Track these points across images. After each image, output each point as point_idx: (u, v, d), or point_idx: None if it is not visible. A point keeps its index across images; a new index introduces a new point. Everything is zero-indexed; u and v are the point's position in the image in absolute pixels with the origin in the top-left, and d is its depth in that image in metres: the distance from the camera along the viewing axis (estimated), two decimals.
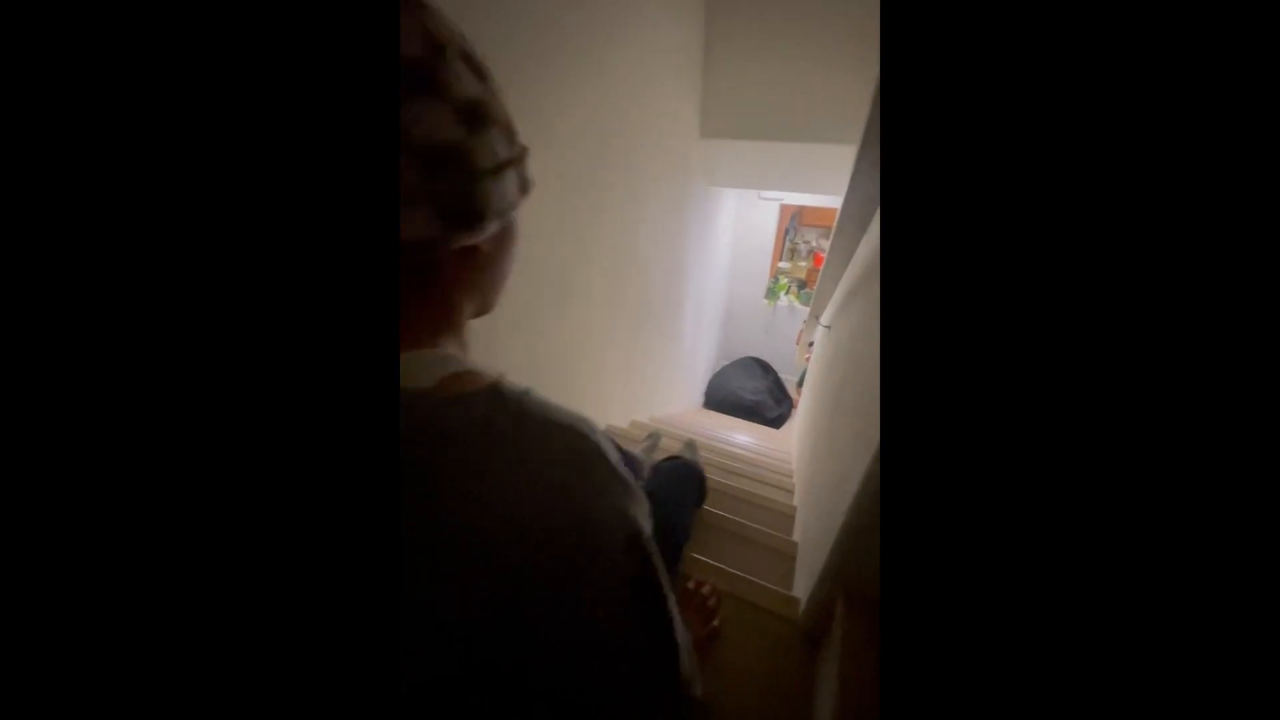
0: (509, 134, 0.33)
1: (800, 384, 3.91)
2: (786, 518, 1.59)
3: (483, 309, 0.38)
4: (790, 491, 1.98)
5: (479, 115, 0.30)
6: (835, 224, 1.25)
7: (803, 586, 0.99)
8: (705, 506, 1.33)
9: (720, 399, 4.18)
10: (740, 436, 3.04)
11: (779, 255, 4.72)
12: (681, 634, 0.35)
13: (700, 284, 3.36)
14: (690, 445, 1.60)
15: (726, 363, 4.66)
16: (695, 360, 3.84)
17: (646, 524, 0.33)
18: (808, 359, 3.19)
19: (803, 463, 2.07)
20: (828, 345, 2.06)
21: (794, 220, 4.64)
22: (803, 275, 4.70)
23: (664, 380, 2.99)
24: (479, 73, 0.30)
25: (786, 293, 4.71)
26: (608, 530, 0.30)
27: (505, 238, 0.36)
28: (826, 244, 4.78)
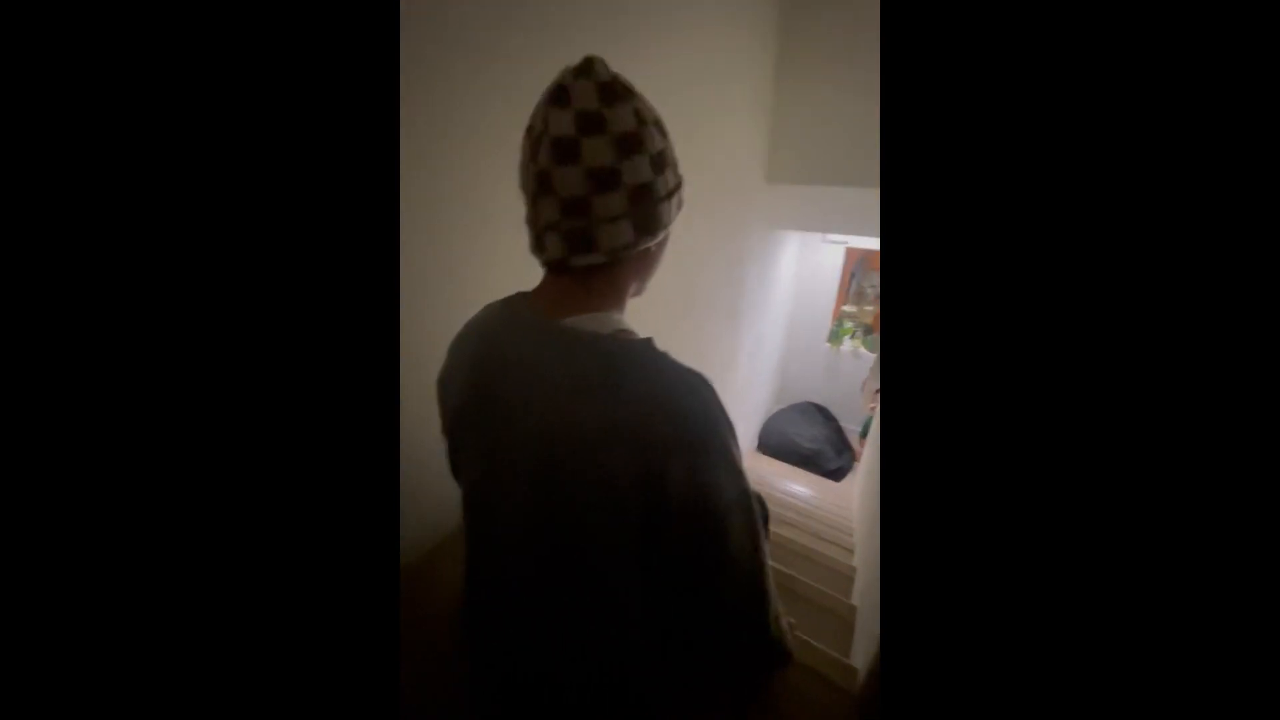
0: (675, 169, 0.47)
1: (864, 435, 3.68)
2: (845, 578, 1.47)
3: (638, 292, 0.53)
4: (850, 550, 1.84)
5: (662, 161, 0.45)
6: None
7: (861, 654, 0.90)
8: None
9: (776, 444, 4.00)
10: (796, 487, 2.89)
11: (843, 298, 4.58)
12: (773, 585, 0.44)
13: (759, 326, 3.32)
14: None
15: (783, 406, 4.49)
16: (751, 403, 3.75)
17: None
18: (873, 409, 3.01)
19: (866, 522, 1.92)
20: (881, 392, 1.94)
21: (860, 264, 4.51)
22: (869, 320, 4.50)
23: None
24: (662, 131, 0.45)
25: (851, 337, 4.53)
26: (719, 452, 0.41)
27: (664, 242, 0.51)
28: None
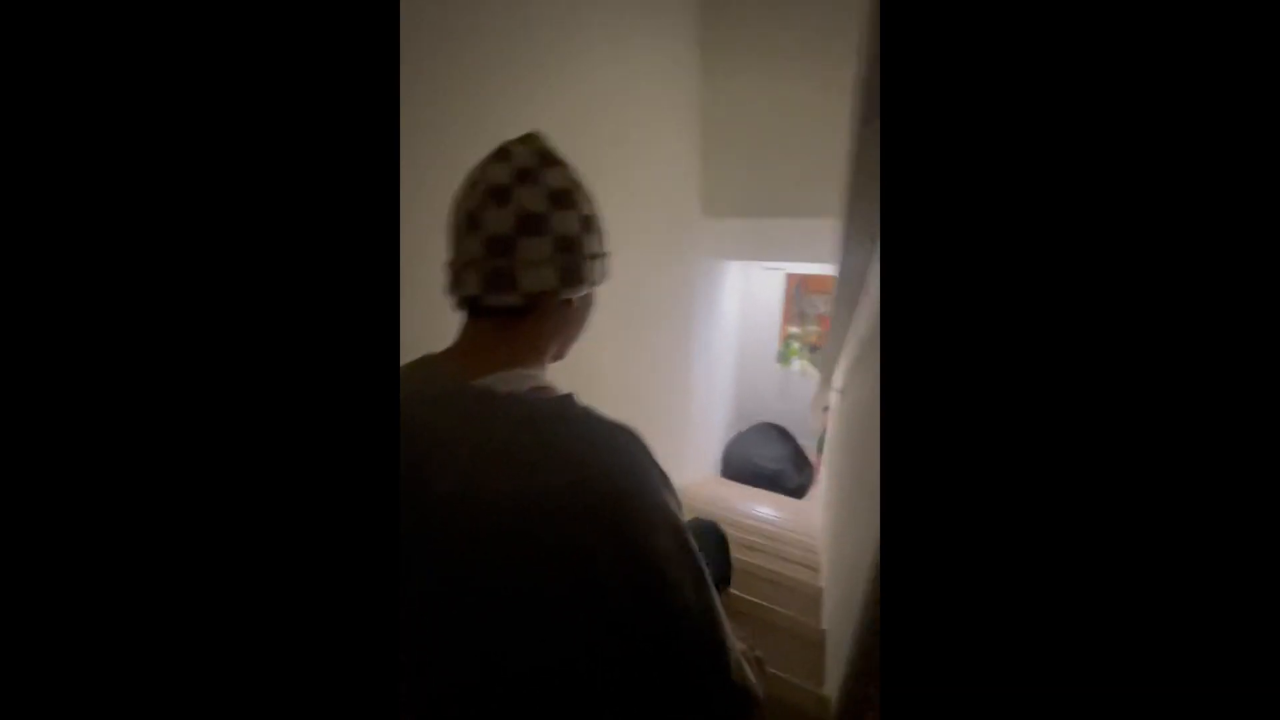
0: (602, 239, 0.49)
1: (820, 449, 3.78)
2: (812, 600, 1.47)
3: (559, 355, 0.51)
4: (816, 570, 1.85)
5: (590, 224, 0.46)
6: (834, 291, 1.28)
7: (834, 681, 0.89)
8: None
9: (739, 468, 4.04)
10: (761, 508, 2.90)
11: (788, 320, 4.78)
12: (729, 631, 0.42)
13: (709, 352, 3.39)
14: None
15: (743, 428, 4.56)
16: (708, 427, 3.78)
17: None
18: (824, 424, 3.11)
19: (829, 538, 1.95)
20: (843, 410, 2.02)
21: (799, 287, 4.76)
22: (813, 339, 4.72)
23: (674, 447, 2.93)
24: (592, 203, 0.47)
25: (798, 356, 4.71)
26: (652, 510, 0.38)
27: (587, 302, 0.51)
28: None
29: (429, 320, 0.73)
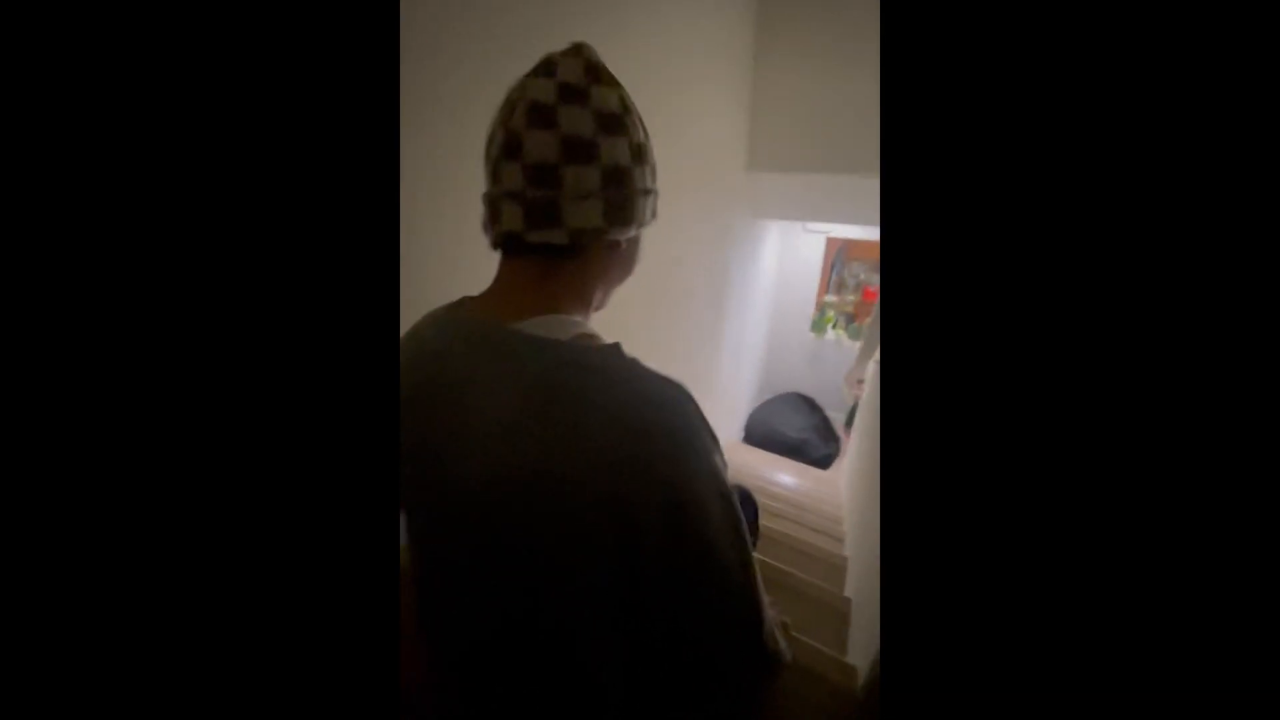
0: (654, 172, 0.44)
1: (848, 423, 3.71)
2: (837, 569, 1.46)
3: (601, 303, 0.48)
4: (840, 540, 1.83)
5: (643, 155, 0.42)
6: None
7: (859, 651, 0.88)
8: None
9: (763, 435, 4.01)
10: (785, 477, 2.89)
11: (825, 288, 4.60)
12: (764, 594, 0.41)
13: (742, 316, 3.30)
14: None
15: (769, 396, 4.51)
16: (736, 393, 3.74)
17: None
18: (858, 396, 3.03)
19: (855, 510, 1.92)
20: (881, 383, 1.94)
21: (840, 253, 4.54)
22: (850, 309, 4.54)
23: (704, 411, 2.91)
24: (645, 129, 0.42)
25: (834, 326, 4.56)
26: (703, 471, 0.36)
27: (635, 245, 0.47)
28: (875, 278, 4.58)
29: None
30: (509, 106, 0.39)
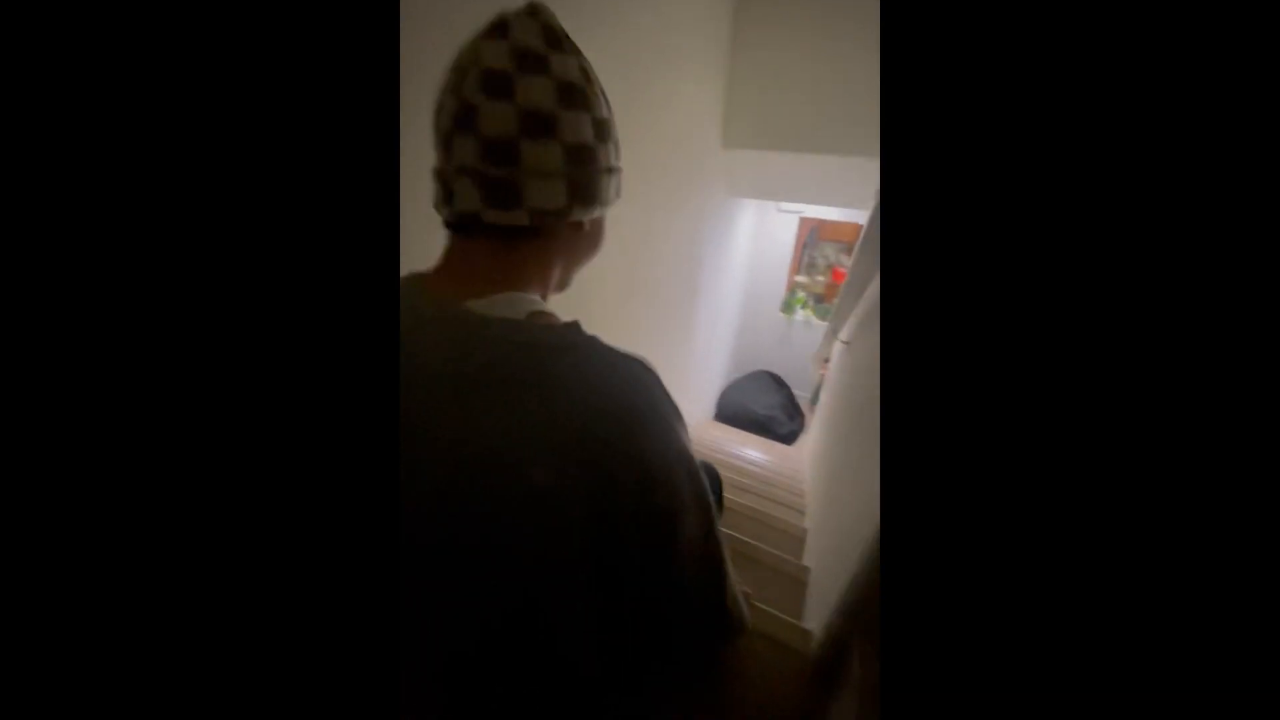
0: (618, 151, 0.42)
1: (814, 401, 3.83)
2: (797, 540, 1.53)
3: (562, 284, 0.46)
4: (801, 512, 1.92)
5: (606, 131, 0.39)
6: (862, 236, 1.21)
7: (815, 617, 0.93)
8: None
9: (732, 412, 4.11)
10: (751, 452, 2.98)
11: (796, 269, 4.67)
12: (729, 562, 0.42)
13: (715, 295, 3.33)
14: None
15: (740, 375, 4.60)
16: (708, 372, 3.80)
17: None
18: (823, 375, 3.13)
19: (817, 484, 2.00)
20: (847, 363, 2.01)
21: (813, 234, 4.59)
22: (820, 290, 4.63)
23: (671, 388, 2.95)
24: (608, 102, 0.40)
25: (803, 307, 4.65)
26: (670, 445, 0.36)
27: (598, 225, 0.45)
28: (846, 259, 4.65)
29: None
30: (459, 72, 0.36)
